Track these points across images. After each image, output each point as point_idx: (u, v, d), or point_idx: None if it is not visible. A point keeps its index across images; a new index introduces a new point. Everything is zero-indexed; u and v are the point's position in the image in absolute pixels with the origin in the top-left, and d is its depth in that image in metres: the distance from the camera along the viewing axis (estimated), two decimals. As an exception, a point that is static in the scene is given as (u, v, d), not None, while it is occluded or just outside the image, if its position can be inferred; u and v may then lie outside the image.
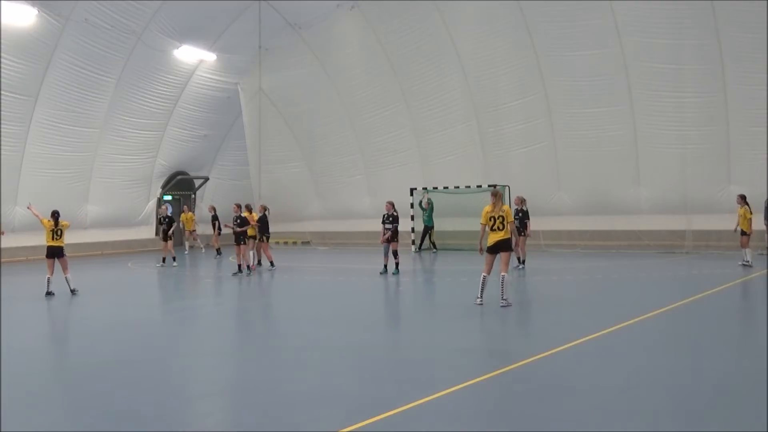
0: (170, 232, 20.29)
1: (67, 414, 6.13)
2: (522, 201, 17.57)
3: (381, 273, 16.41)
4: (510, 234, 10.97)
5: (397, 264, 16.55)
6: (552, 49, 22.25)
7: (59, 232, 13.84)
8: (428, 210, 23.96)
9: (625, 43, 21.16)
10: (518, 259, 16.86)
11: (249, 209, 18.38)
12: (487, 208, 11.05)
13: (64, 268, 13.80)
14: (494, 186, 23.33)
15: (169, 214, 21.57)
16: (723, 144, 20.86)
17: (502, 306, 10.74)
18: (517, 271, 16.31)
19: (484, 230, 11.14)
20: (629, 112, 21.92)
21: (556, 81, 22.63)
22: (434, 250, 23.87)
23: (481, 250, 11.41)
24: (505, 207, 11.05)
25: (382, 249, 16.77)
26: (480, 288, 11.03)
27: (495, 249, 10.99)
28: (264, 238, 18.76)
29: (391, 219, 16.43)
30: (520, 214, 17.12)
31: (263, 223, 18.74)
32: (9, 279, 17.71)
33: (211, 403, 6.47)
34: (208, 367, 7.93)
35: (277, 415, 5.81)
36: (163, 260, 20.53)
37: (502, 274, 10.87)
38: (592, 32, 21.47)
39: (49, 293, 13.64)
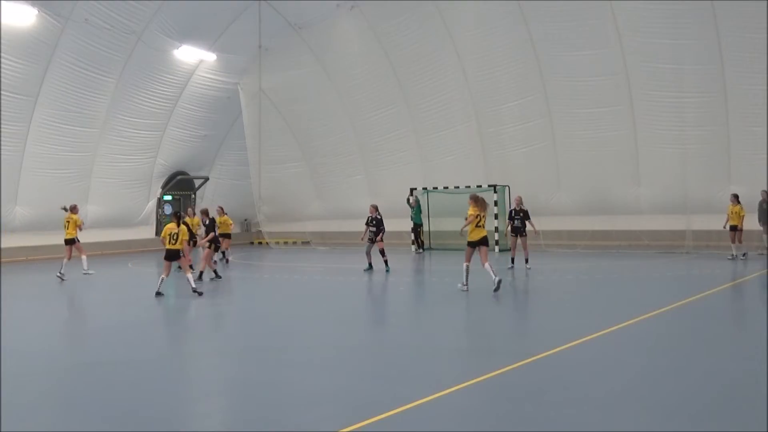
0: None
1: (67, 414, 6.12)
2: (520, 201, 17.51)
3: (365, 270, 17.08)
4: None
5: (386, 262, 17.25)
6: (552, 49, 22.23)
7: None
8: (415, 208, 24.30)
9: (625, 43, 21.15)
10: (525, 260, 16.95)
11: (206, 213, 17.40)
12: (473, 210, 12.52)
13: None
14: (494, 186, 23.46)
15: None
16: (723, 144, 20.85)
17: (498, 282, 12.22)
18: (526, 271, 16.43)
19: (468, 224, 12.69)
20: (629, 112, 21.90)
21: (556, 81, 22.62)
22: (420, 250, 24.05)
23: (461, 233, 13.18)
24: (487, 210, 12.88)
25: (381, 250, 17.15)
26: (465, 276, 12.67)
27: (477, 244, 12.59)
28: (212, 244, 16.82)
29: (374, 222, 17.24)
30: (521, 214, 17.05)
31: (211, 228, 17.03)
32: (10, 279, 17.69)
33: (210, 403, 6.46)
34: (208, 367, 7.93)
35: (277, 415, 5.81)
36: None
37: (487, 264, 12.45)
38: (592, 32, 21.45)
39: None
